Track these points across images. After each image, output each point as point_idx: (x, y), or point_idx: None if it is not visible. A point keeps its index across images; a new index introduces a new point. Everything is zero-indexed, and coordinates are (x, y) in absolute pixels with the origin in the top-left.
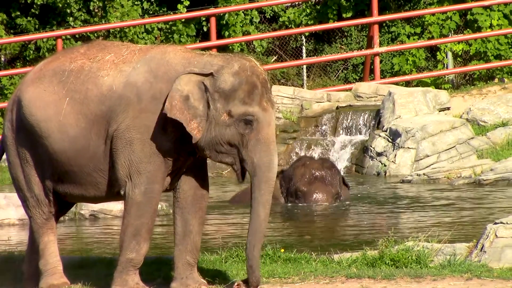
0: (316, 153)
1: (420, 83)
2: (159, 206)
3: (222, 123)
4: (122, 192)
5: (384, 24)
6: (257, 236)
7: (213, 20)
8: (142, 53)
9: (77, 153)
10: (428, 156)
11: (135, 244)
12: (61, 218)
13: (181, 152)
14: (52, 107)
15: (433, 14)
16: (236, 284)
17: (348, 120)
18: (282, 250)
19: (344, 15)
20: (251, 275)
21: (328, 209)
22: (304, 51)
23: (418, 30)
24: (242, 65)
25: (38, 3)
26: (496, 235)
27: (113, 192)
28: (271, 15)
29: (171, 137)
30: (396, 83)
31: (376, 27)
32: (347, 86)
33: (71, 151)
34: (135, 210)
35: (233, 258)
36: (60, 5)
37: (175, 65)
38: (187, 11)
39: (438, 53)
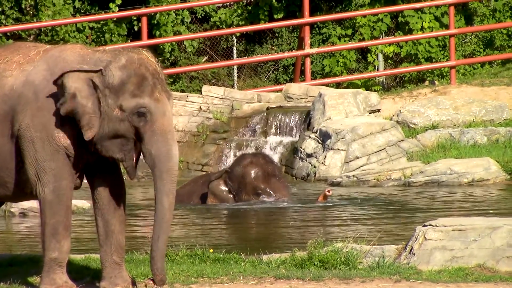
0: None
1: (351, 84)
2: (87, 204)
3: (115, 118)
4: (34, 192)
5: (315, 25)
6: (163, 227)
7: (144, 20)
8: (45, 52)
9: None
10: (358, 158)
11: (56, 243)
12: None
13: (82, 148)
14: None
15: (364, 16)
16: (144, 282)
17: (278, 121)
18: (211, 250)
19: (275, 16)
20: (153, 267)
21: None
22: (235, 51)
23: (349, 31)
24: (130, 58)
25: None
26: (425, 238)
27: (26, 192)
28: (203, 15)
29: (69, 134)
30: (327, 85)
31: (307, 28)
32: (278, 87)
33: None
34: (48, 209)
35: None
36: None
37: (70, 62)
38: (119, 10)
39: (369, 55)
